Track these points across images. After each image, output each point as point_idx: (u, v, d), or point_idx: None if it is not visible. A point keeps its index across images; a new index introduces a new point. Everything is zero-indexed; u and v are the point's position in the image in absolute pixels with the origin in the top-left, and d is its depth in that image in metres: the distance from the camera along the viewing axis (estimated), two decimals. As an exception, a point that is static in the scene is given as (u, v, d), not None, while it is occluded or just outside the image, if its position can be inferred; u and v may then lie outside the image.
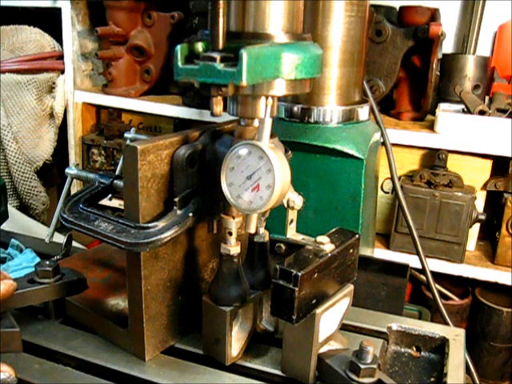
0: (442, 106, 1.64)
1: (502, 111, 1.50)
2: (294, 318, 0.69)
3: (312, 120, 1.12)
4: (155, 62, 1.87)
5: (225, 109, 0.69)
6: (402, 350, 0.93)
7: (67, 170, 0.95)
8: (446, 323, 1.25)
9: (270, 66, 0.64)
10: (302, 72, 0.68)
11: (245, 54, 0.60)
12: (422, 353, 0.92)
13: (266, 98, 0.69)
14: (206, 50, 0.66)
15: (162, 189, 0.76)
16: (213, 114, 0.67)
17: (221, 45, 0.64)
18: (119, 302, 0.91)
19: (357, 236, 0.79)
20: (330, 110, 1.12)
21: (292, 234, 0.76)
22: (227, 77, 0.61)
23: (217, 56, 0.62)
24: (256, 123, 0.73)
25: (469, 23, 1.83)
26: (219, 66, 0.62)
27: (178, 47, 0.66)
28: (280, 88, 0.69)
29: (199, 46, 0.68)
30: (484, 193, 1.59)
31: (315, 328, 0.73)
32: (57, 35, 1.94)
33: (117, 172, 1.05)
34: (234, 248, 0.76)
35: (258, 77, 0.63)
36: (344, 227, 0.81)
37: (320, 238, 0.74)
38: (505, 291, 1.65)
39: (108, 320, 0.85)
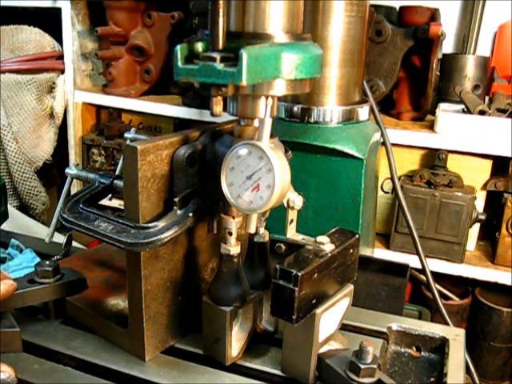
0: (442, 106, 1.63)
1: (502, 111, 1.50)
2: (294, 317, 0.69)
3: (312, 120, 1.12)
4: (155, 61, 1.87)
5: (225, 109, 0.69)
6: (402, 350, 0.93)
7: (67, 170, 0.95)
8: (446, 323, 1.25)
9: (269, 66, 0.64)
10: (302, 72, 0.68)
11: (245, 54, 0.60)
12: (422, 353, 0.92)
13: (266, 97, 0.69)
14: (206, 50, 0.66)
15: (162, 189, 0.76)
16: (213, 114, 0.67)
17: (221, 45, 0.64)
18: (119, 302, 0.91)
19: (357, 236, 0.79)
20: (330, 109, 1.12)
21: (292, 234, 0.76)
22: (227, 77, 0.61)
23: (217, 56, 0.62)
24: (256, 123, 0.73)
25: (469, 23, 1.83)
26: (219, 65, 0.62)
27: (178, 47, 0.66)
28: (280, 88, 0.68)
29: (199, 46, 0.68)
30: (484, 193, 1.59)
31: (315, 328, 0.73)
32: (57, 35, 1.94)
33: (117, 172, 1.05)
34: (234, 248, 0.76)
35: (258, 77, 0.63)
36: (344, 227, 0.81)
37: (320, 238, 0.74)
38: (505, 291, 1.65)
39: (108, 320, 0.85)
